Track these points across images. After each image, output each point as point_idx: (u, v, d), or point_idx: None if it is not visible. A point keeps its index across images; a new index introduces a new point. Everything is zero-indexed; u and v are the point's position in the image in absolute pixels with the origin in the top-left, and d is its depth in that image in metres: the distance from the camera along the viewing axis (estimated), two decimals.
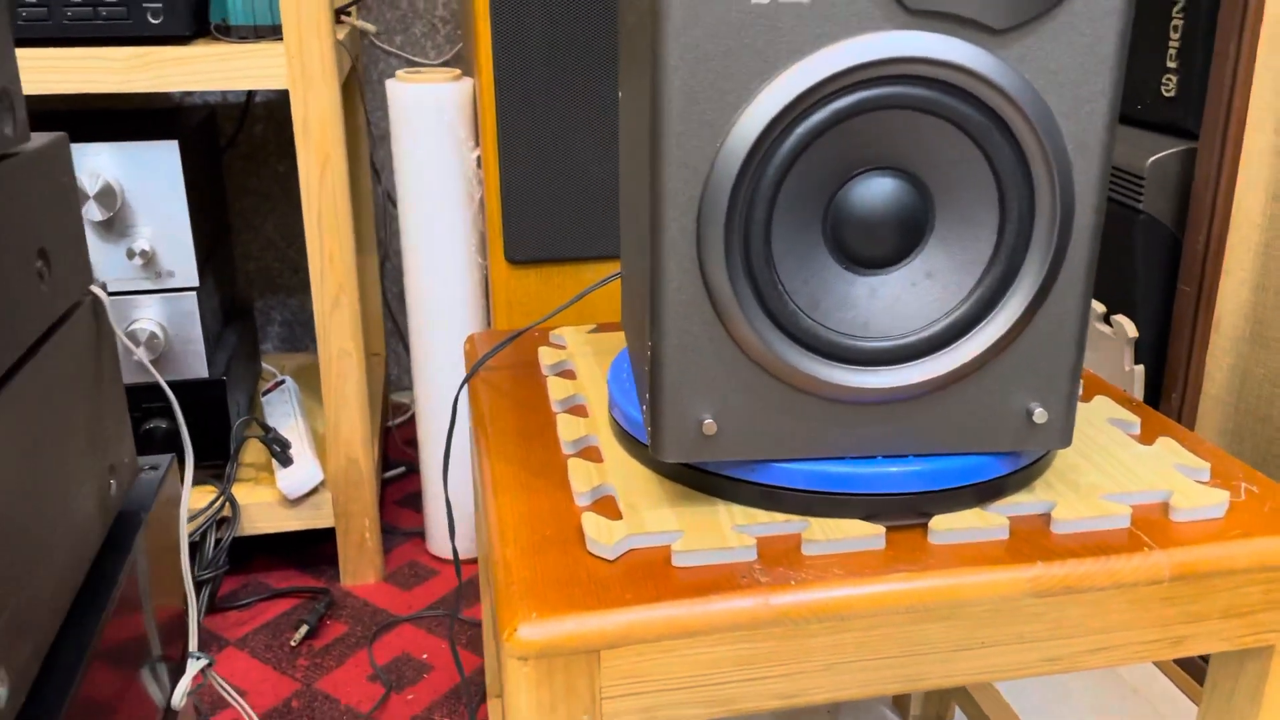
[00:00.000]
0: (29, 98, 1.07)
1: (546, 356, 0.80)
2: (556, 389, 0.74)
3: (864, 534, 0.55)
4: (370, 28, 1.46)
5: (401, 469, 1.56)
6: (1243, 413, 0.99)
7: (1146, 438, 0.67)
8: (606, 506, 0.59)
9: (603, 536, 0.55)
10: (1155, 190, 1.05)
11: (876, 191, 0.52)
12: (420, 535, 1.39)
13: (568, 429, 0.67)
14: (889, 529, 0.57)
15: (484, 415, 0.72)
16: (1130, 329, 1.07)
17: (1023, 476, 0.59)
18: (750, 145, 0.49)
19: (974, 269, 0.53)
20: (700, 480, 0.59)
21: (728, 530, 0.55)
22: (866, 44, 0.48)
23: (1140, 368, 1.08)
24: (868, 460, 0.57)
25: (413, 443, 1.64)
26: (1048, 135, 0.50)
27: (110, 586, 0.67)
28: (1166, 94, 1.05)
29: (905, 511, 0.57)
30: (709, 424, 0.55)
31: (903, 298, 0.54)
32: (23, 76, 1.04)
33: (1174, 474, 0.61)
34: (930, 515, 0.57)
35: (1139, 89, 1.09)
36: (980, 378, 0.55)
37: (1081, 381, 0.76)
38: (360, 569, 1.28)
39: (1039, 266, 0.52)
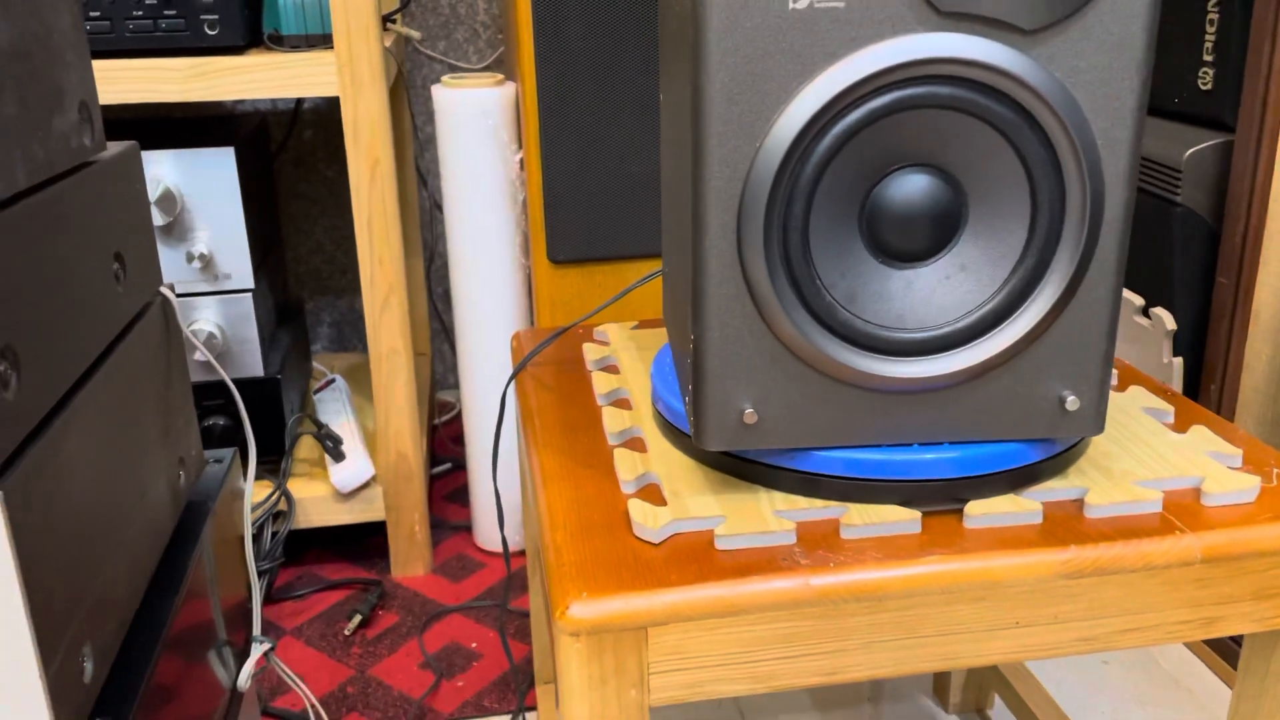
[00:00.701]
0: None
1: (591, 352, 0.83)
2: (601, 383, 0.76)
3: (901, 519, 0.57)
4: (415, 34, 1.50)
5: (448, 465, 1.59)
6: None
7: (1180, 425, 0.68)
8: (651, 494, 0.62)
9: (648, 521, 0.57)
10: (1192, 183, 1.05)
11: (911, 187, 0.54)
12: (468, 529, 1.43)
13: (613, 421, 0.70)
14: (925, 514, 0.59)
15: (531, 409, 0.75)
16: (1169, 321, 1.08)
17: (1057, 463, 0.61)
18: (788, 145, 0.52)
19: (1006, 262, 0.55)
20: (741, 468, 0.61)
21: (768, 515, 0.58)
22: (899, 46, 0.50)
23: (1179, 360, 1.08)
24: (904, 447, 0.59)
25: (459, 439, 1.68)
26: (1077, 131, 0.52)
27: (181, 573, 0.71)
28: (1203, 87, 1.06)
29: (941, 497, 0.59)
30: (749, 413, 0.57)
31: (938, 290, 0.56)
32: None
33: (1206, 460, 0.62)
34: (966, 501, 0.59)
35: (1176, 82, 1.10)
36: (1014, 366, 0.57)
37: (1115, 371, 0.77)
38: (410, 561, 1.31)
39: (1070, 258, 0.54)
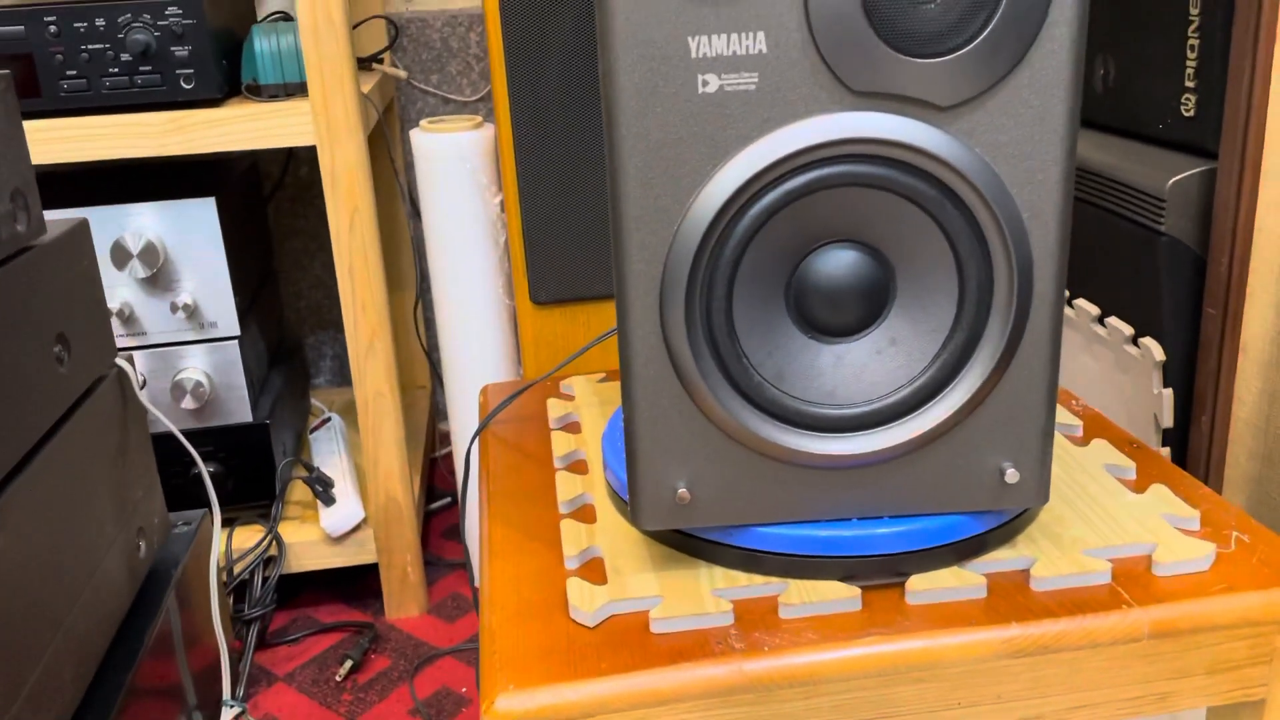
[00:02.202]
0: (72, 165, 1.12)
1: (554, 409, 0.82)
2: (559, 444, 0.76)
3: (840, 596, 0.56)
4: (401, 74, 1.50)
5: (448, 499, 1.60)
6: (1272, 436, 0.97)
7: (1140, 484, 0.67)
8: (594, 569, 0.61)
9: (584, 603, 0.56)
10: (1177, 212, 1.03)
11: (837, 263, 0.53)
12: (464, 566, 1.42)
13: (565, 488, 0.69)
14: (868, 589, 0.57)
15: (488, 473, 0.74)
16: (1158, 352, 1.06)
17: (1004, 532, 0.59)
18: (705, 227, 0.51)
19: (937, 335, 0.54)
20: (683, 543, 0.60)
21: (706, 595, 0.57)
22: (813, 126, 0.49)
23: (1169, 391, 1.06)
24: (845, 522, 0.58)
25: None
26: (1000, 206, 0.51)
27: (135, 649, 0.71)
28: (1186, 113, 1.04)
29: (883, 571, 0.58)
30: (683, 492, 0.56)
31: (868, 365, 0.55)
32: (65, 145, 1.10)
33: (1161, 524, 0.61)
34: (908, 574, 0.58)
35: (1159, 108, 1.08)
36: (951, 439, 0.56)
37: (1080, 422, 0.75)
38: (404, 602, 1.32)
39: (1000, 332, 0.53)
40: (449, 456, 1.74)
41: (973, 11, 0.48)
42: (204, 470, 0.81)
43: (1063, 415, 0.76)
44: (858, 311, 0.54)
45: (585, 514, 0.67)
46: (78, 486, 0.66)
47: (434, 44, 1.67)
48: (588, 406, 0.82)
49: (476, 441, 0.81)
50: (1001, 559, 0.59)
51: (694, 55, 0.49)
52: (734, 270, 0.52)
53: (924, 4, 0.48)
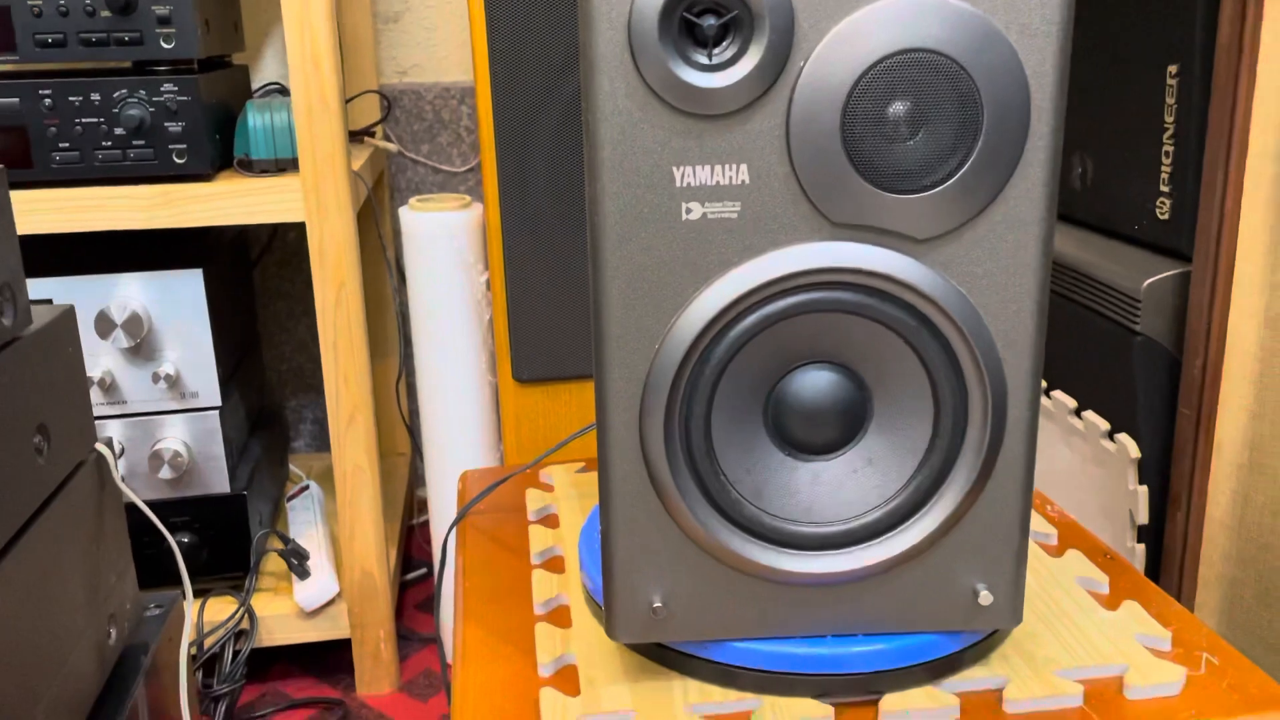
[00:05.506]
0: (63, 235, 1.13)
1: (533, 500, 0.82)
2: (537, 539, 0.76)
3: (814, 715, 0.56)
4: (392, 148, 1.52)
5: (424, 570, 1.58)
6: (1245, 539, 0.98)
7: (1113, 599, 0.67)
8: (568, 677, 0.61)
9: (557, 718, 0.56)
10: (1152, 312, 1.05)
11: (815, 383, 0.54)
12: (436, 642, 1.41)
13: (541, 588, 0.69)
14: (842, 706, 0.57)
15: (462, 569, 0.74)
16: (1133, 449, 1.07)
17: (978, 650, 0.60)
18: (686, 348, 0.52)
19: (913, 457, 0.55)
20: (659, 654, 0.60)
21: (679, 711, 0.57)
22: (793, 255, 0.50)
23: (1144, 488, 1.07)
24: (821, 639, 0.58)
25: None
26: (975, 335, 0.52)
27: None
28: (1161, 216, 1.06)
29: (858, 690, 0.58)
30: (658, 606, 0.56)
31: (845, 484, 0.56)
32: (54, 216, 1.10)
33: (1133, 645, 0.61)
34: (882, 693, 0.58)
35: (1135, 210, 1.10)
36: (926, 560, 0.56)
37: (1055, 530, 0.76)
38: (376, 679, 1.30)
39: (975, 456, 0.54)
40: (427, 525, 1.73)
41: (949, 151, 0.49)
42: (176, 549, 0.81)
43: (1037, 523, 0.76)
44: (835, 431, 0.55)
45: (560, 617, 0.67)
46: (52, 578, 0.66)
47: (426, 115, 1.69)
48: (566, 499, 0.82)
49: (454, 531, 0.81)
50: (975, 678, 0.59)
51: (679, 184, 0.50)
52: (713, 389, 0.53)
53: (902, 142, 0.49)
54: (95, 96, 1.09)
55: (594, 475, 0.86)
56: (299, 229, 1.67)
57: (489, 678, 0.61)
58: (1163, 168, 1.05)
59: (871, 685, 0.58)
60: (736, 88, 0.48)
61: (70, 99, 1.09)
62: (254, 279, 1.67)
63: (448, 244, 1.19)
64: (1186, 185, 1.01)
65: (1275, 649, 0.94)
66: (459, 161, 1.73)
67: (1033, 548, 0.72)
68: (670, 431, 0.53)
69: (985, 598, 0.56)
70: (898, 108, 0.48)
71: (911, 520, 0.55)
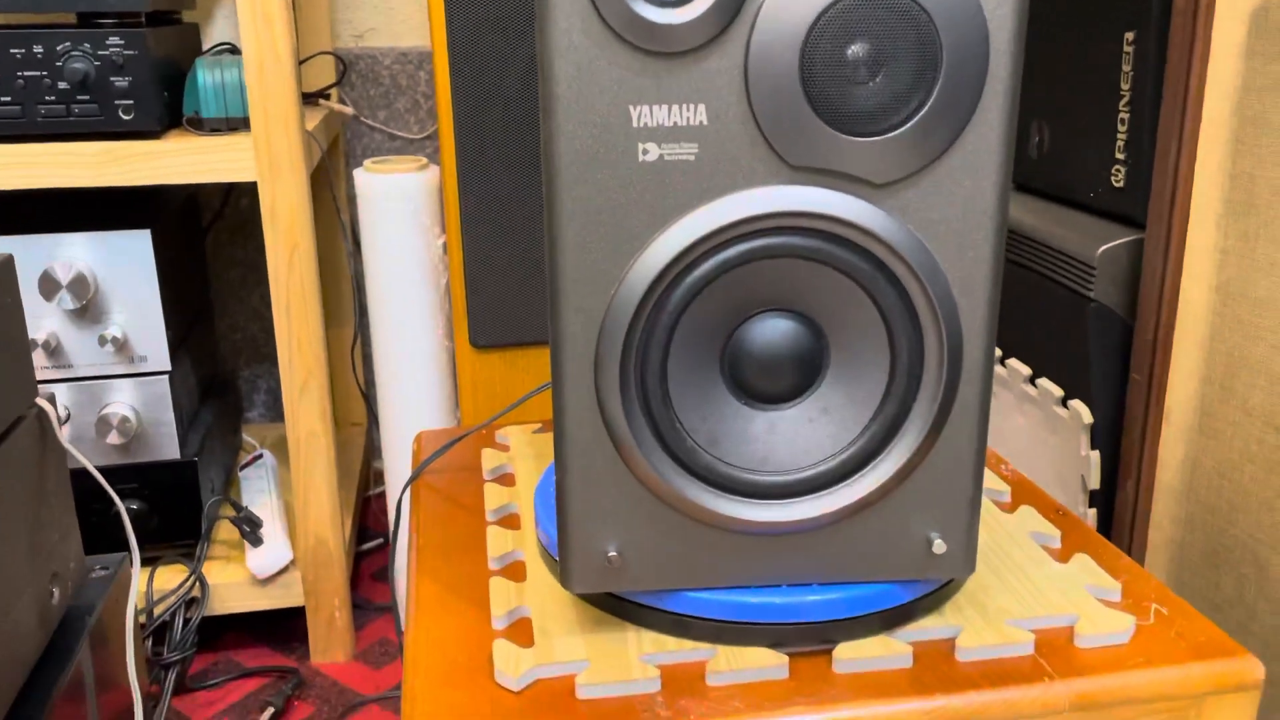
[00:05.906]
0: (5, 193, 1.10)
1: (488, 459, 0.81)
2: (492, 497, 0.75)
3: (768, 664, 0.56)
4: (348, 111, 1.49)
5: (380, 540, 1.57)
6: (1194, 502, 1.00)
7: (1064, 553, 0.68)
8: (521, 630, 0.60)
9: (509, 668, 0.56)
10: (1106, 279, 1.06)
11: (771, 331, 0.54)
12: (392, 610, 1.40)
13: (496, 543, 0.69)
14: (795, 656, 0.57)
15: (418, 525, 0.73)
16: (1085, 415, 1.08)
17: (931, 600, 0.60)
18: (642, 294, 0.51)
19: (869, 405, 0.55)
20: (613, 605, 0.60)
21: (634, 660, 0.56)
22: (750, 198, 0.50)
23: (1096, 453, 1.08)
24: (775, 589, 0.58)
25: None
26: (931, 281, 0.51)
27: (45, 697, 0.69)
28: (1116, 184, 1.07)
29: (812, 639, 0.58)
30: (614, 556, 0.56)
31: (801, 432, 0.55)
32: None
33: (1084, 595, 0.62)
34: (836, 642, 0.58)
35: (1090, 178, 1.11)
36: (880, 509, 0.56)
37: (1009, 487, 0.76)
38: (330, 647, 1.29)
39: (930, 404, 0.54)
40: (383, 495, 1.71)
41: (909, 93, 0.49)
42: (124, 511, 0.79)
43: (991, 480, 0.77)
44: (791, 379, 0.55)
45: (515, 571, 0.66)
46: None
47: (383, 80, 1.66)
48: (522, 458, 0.81)
49: (408, 491, 0.80)
50: (928, 627, 0.59)
51: (635, 124, 0.49)
52: (669, 336, 0.52)
53: (862, 84, 0.48)
54: (37, 49, 1.06)
55: (550, 436, 0.85)
56: (252, 196, 1.64)
57: (442, 631, 0.60)
58: (1118, 135, 1.06)
59: (826, 634, 0.58)
60: (694, 24, 0.47)
61: (12, 51, 1.06)
62: (206, 246, 1.64)
63: (403, 206, 1.18)
64: (1142, 153, 1.02)
65: (1221, 608, 0.95)
66: (416, 129, 1.71)
67: (986, 504, 0.73)
68: (626, 379, 0.52)
69: (939, 546, 0.56)
70: (857, 49, 0.48)
71: (866, 469, 0.55)
